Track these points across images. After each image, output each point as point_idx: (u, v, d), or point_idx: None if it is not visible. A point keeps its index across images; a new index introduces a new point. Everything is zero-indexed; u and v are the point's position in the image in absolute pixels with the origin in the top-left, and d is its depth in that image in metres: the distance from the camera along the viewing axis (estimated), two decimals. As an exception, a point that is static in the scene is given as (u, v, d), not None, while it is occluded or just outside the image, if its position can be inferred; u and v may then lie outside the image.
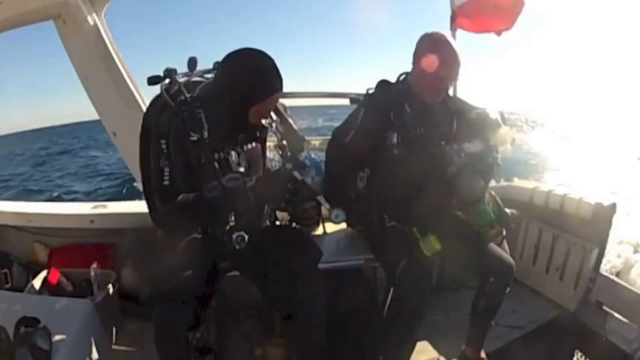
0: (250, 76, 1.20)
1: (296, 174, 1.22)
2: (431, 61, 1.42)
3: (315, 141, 1.96)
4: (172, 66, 1.34)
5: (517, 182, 2.17)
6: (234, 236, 1.19)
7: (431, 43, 1.46)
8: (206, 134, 1.24)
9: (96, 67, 1.90)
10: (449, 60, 1.43)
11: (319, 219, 1.72)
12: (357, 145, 1.44)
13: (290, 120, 1.41)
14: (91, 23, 1.84)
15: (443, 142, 1.48)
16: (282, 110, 1.42)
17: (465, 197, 1.46)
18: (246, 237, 1.19)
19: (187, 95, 1.29)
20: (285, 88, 1.26)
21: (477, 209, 1.46)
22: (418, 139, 1.46)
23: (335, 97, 2.11)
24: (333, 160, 1.55)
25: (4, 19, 1.81)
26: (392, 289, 1.45)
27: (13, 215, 2.15)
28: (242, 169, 1.29)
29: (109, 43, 1.88)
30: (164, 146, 1.24)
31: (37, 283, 1.86)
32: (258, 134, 1.36)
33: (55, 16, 1.80)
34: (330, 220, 1.44)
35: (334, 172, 1.50)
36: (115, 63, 1.90)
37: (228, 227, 1.22)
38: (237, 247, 1.19)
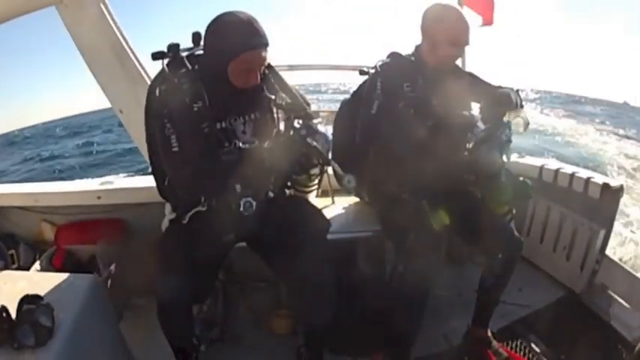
0: (220, 32, 1.21)
1: (309, 140, 1.22)
2: (440, 30, 1.42)
3: (324, 113, 1.95)
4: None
5: (526, 159, 2.15)
6: (242, 202, 1.18)
7: (439, 13, 1.46)
8: (207, 103, 1.24)
9: (101, 47, 1.88)
10: (458, 27, 1.42)
11: (319, 186, 1.71)
12: (383, 114, 1.43)
13: (297, 91, 1.41)
14: (94, 4, 1.82)
15: (460, 115, 1.47)
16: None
17: (483, 171, 1.45)
18: (254, 203, 1.18)
19: (189, 67, 1.29)
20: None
21: (497, 184, 1.45)
22: (432, 111, 1.45)
23: (343, 69, 2.10)
24: (344, 133, 1.54)
25: (5, 9, 1.79)
26: (399, 262, 1.45)
27: (19, 196, 2.16)
28: (248, 137, 1.28)
29: (112, 23, 1.87)
30: (167, 114, 1.24)
31: (43, 261, 1.87)
32: (265, 103, 1.34)
33: (57, 1, 1.79)
34: (342, 185, 1.41)
35: (348, 144, 1.49)
36: (120, 41, 1.89)
37: (235, 194, 1.20)
38: (246, 213, 1.18)
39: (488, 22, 2.12)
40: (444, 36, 1.42)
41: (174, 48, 1.31)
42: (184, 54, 1.32)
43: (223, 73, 1.23)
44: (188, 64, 1.29)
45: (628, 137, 13.21)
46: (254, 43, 1.20)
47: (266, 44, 1.23)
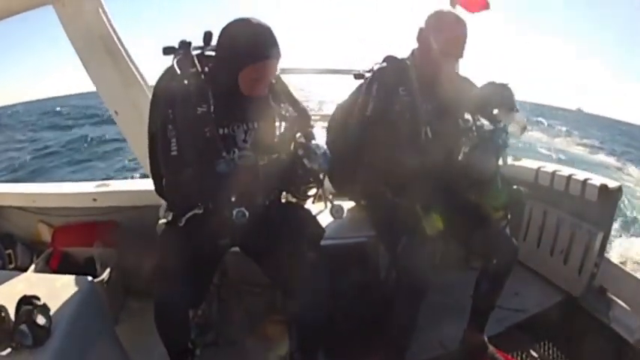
0: (236, 40, 1.20)
1: (305, 161, 1.22)
2: (435, 40, 1.41)
3: (315, 116, 1.93)
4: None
5: (522, 162, 2.13)
6: (234, 212, 1.18)
7: (439, 20, 1.45)
8: (212, 108, 1.23)
9: (96, 48, 1.88)
10: (456, 36, 1.42)
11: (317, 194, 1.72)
12: (378, 117, 1.43)
13: (302, 105, 1.40)
14: (92, 4, 1.82)
15: (455, 119, 1.47)
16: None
17: (477, 176, 1.45)
18: (247, 213, 1.18)
19: (198, 67, 1.29)
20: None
21: (490, 190, 1.45)
22: (427, 115, 1.44)
23: (338, 73, 2.09)
24: (339, 137, 1.54)
25: (3, 6, 1.78)
26: (393, 267, 1.44)
27: (17, 196, 2.17)
28: (247, 146, 1.28)
29: (107, 23, 1.87)
30: (171, 116, 1.23)
31: (40, 262, 1.87)
32: (269, 114, 1.34)
33: (55, 0, 1.78)
34: (330, 212, 1.43)
35: (343, 148, 1.49)
36: (115, 42, 1.89)
37: (229, 203, 1.21)
38: (238, 222, 1.18)
39: (483, 6, 1.98)
40: (439, 46, 1.41)
41: (185, 45, 1.31)
42: (195, 52, 1.32)
43: (233, 79, 1.22)
44: (198, 65, 1.29)
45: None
46: (268, 54, 1.20)
47: (279, 55, 1.22)
